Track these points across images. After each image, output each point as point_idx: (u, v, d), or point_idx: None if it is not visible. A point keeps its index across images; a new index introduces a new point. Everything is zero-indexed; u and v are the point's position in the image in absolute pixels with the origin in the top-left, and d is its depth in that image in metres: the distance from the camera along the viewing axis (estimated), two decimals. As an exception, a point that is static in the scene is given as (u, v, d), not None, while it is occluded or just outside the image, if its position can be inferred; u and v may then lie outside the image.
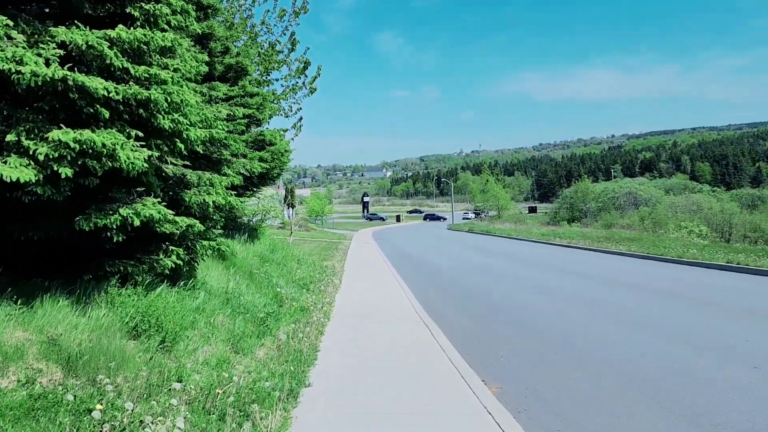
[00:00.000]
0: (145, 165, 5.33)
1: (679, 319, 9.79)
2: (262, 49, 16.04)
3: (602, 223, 55.50)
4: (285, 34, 16.47)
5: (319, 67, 17.52)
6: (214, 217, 7.73)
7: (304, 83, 17.21)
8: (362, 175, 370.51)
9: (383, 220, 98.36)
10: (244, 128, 12.20)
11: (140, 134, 5.53)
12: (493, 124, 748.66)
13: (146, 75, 5.68)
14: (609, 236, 31.92)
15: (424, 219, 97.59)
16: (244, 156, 12.12)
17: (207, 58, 12.22)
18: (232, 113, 9.77)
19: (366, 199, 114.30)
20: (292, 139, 17.49)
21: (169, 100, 5.74)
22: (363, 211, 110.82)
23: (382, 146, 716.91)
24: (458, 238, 43.86)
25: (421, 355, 7.19)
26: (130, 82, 5.52)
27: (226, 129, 10.37)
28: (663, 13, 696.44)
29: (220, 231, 10.27)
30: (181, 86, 6.14)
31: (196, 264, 7.88)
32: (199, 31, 13.16)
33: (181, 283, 7.24)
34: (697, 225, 35.50)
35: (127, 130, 5.44)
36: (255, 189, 13.99)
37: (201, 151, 8.87)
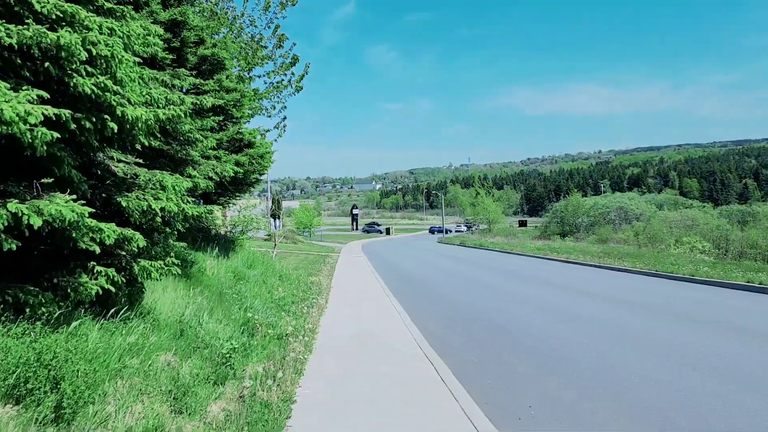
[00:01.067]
0: (51, 136, 3.72)
1: (736, 355, 8.23)
2: (244, 43, 14.45)
3: (596, 238, 54.40)
4: (269, 27, 14.94)
5: (308, 65, 16.00)
6: (166, 230, 6.08)
7: (290, 81, 15.62)
8: (352, 187, 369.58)
9: (381, 232, 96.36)
10: (216, 125, 10.59)
11: (45, 95, 3.91)
12: (483, 137, 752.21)
13: (58, 13, 4.06)
14: (607, 251, 30.57)
15: (430, 232, 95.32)
16: (217, 158, 10.50)
17: (176, 43, 10.64)
18: (198, 103, 8.16)
19: (355, 211, 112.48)
20: (275, 140, 15.71)
21: (92, 52, 4.12)
22: (352, 224, 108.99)
23: (372, 159, 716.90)
24: (451, 252, 42.32)
25: (427, 406, 5.57)
26: (30, 21, 3.91)
27: (194, 126, 8.79)
28: (651, 31, 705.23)
29: (184, 244, 8.64)
30: (113, 45, 4.50)
31: (140, 287, 6.22)
32: (168, 17, 11.58)
33: (117, 311, 5.56)
34: (699, 241, 34.20)
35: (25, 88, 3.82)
36: (230, 196, 12.33)
37: (156, 146, 7.28)
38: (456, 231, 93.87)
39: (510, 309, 12.87)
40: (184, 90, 9.99)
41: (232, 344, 6.05)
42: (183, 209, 5.94)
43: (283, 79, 15.21)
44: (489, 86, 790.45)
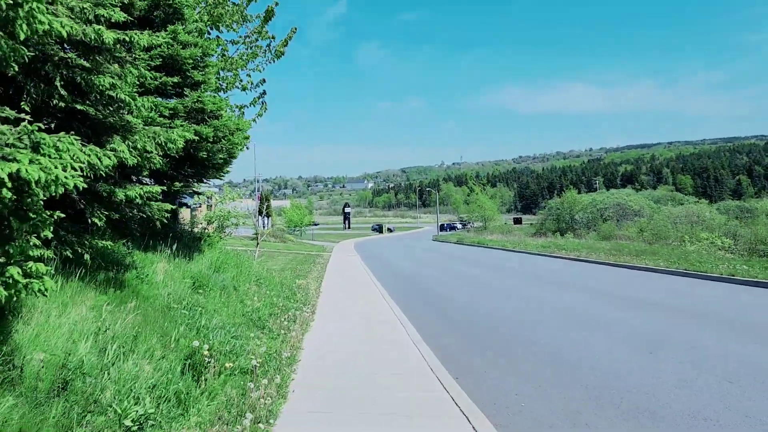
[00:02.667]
0: None
1: None
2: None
3: (598, 235, 52.31)
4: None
5: (294, 29, 13.37)
6: (32, 217, 3.61)
7: (269, 46, 12.99)
8: (343, 186, 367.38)
9: (391, 230, 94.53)
10: (164, 86, 8.09)
11: None
12: (475, 136, 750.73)
13: None
14: (617, 248, 28.28)
15: (441, 229, 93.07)
16: (169, 126, 7.99)
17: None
18: (126, 39, 5.71)
19: (347, 209, 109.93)
20: (254, 120, 13.00)
21: None
22: (344, 223, 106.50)
23: (363, 158, 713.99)
24: (449, 250, 39.95)
25: None
26: None
27: (125, 80, 6.31)
28: (639, 29, 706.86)
29: (109, 243, 6.19)
30: None
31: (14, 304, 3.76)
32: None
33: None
34: (718, 237, 32.00)
35: None
36: (188, 180, 9.81)
37: (63, 106, 4.87)
38: (451, 229, 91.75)
39: (554, 325, 10.49)
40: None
41: (145, 409, 3.60)
42: (63, 180, 3.49)
43: (257, 39, 12.57)
44: (480, 85, 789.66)
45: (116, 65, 6.03)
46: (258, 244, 17.31)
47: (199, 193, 11.83)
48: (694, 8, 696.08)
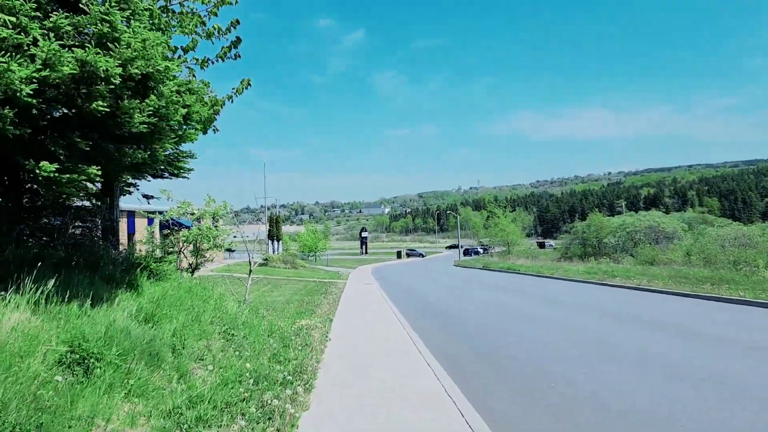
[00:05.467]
0: None
1: None
2: None
3: (639, 259, 47.54)
4: None
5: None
6: None
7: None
8: (360, 211, 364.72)
9: (422, 255, 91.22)
10: None
11: None
12: (491, 161, 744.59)
13: None
14: (677, 275, 23.86)
15: (465, 254, 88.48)
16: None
17: None
18: None
19: (364, 234, 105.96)
20: (231, 97, 8.89)
21: None
22: (361, 247, 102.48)
23: (380, 183, 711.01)
24: (478, 277, 35.62)
25: None
26: None
27: None
28: (655, 54, 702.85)
29: None
30: None
31: None
32: None
33: None
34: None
35: None
36: (84, 163, 5.87)
37: None
38: (473, 253, 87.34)
39: (657, 390, 6.38)
40: None
41: None
42: None
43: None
44: (495, 111, 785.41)
45: None
46: (251, 272, 13.32)
47: (149, 197, 7.97)
48: (709, 33, 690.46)
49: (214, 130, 8.31)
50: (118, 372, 4.47)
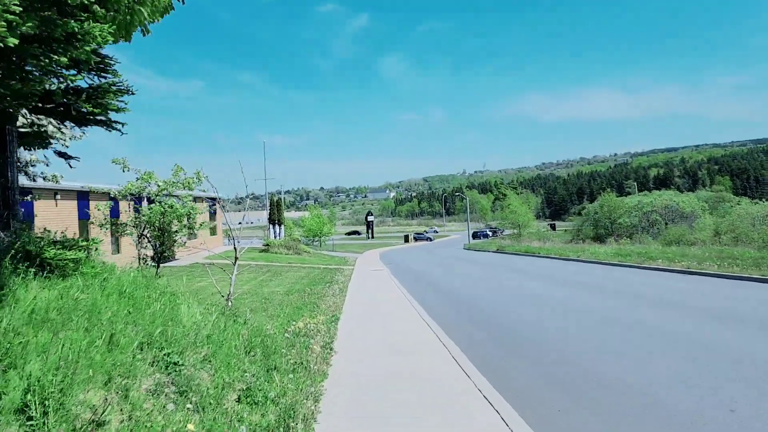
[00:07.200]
0: None
1: None
2: None
3: (665, 239, 44.56)
4: None
5: None
6: None
7: None
8: (365, 196, 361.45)
9: (431, 239, 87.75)
10: None
11: None
12: (496, 144, 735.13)
13: None
14: (724, 255, 21.09)
15: (474, 237, 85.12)
16: None
17: None
18: None
19: (370, 218, 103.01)
20: (165, 10, 5.97)
21: None
22: (367, 232, 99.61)
23: (385, 168, 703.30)
24: (493, 260, 32.87)
25: None
26: None
27: None
28: (660, 34, 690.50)
29: None
30: None
31: None
32: None
33: None
34: None
35: None
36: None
37: None
38: (482, 236, 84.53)
39: None
40: None
41: None
42: None
43: None
44: (501, 94, 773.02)
45: None
46: (236, 260, 10.46)
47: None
48: (710, 14, 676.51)
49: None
50: None
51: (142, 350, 4.27)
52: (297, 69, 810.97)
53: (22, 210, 6.83)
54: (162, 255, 9.40)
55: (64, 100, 5.38)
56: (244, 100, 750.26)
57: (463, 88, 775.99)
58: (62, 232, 6.09)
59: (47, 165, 8.37)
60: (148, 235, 9.36)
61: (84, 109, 5.43)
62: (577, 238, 62.32)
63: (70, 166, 6.78)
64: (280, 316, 10.32)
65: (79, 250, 5.21)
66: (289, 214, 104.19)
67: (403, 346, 8.21)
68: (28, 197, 8.41)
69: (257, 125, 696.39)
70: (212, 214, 36.42)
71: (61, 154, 6.63)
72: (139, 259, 9.41)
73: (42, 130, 5.97)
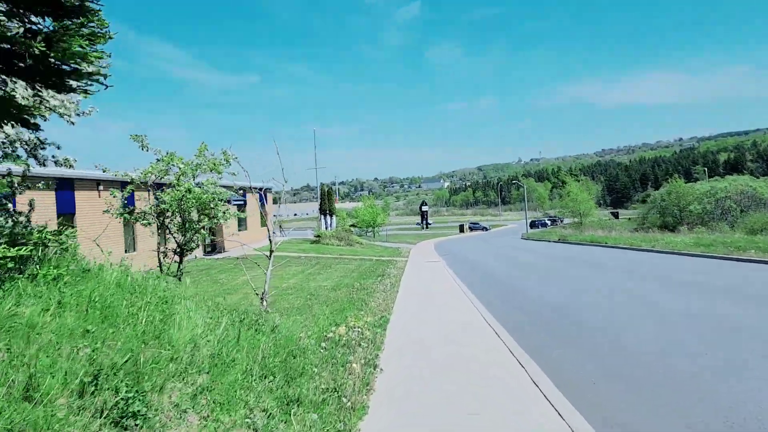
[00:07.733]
0: None
1: None
2: None
3: (746, 228, 41.04)
4: None
5: None
6: None
7: None
8: (419, 186, 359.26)
9: (486, 229, 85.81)
10: None
11: None
12: (552, 131, 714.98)
13: None
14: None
15: (532, 226, 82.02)
16: None
17: None
18: None
19: (424, 208, 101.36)
20: None
21: None
22: (421, 222, 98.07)
23: (438, 157, 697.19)
24: (563, 253, 30.42)
25: None
26: None
27: None
28: (725, 15, 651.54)
29: None
30: None
31: None
32: None
33: None
34: None
35: None
36: None
37: None
38: (541, 225, 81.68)
39: None
40: None
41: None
42: None
43: None
44: (557, 79, 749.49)
45: None
46: (271, 253, 9.03)
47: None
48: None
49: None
50: None
51: (82, 396, 2.89)
52: (347, 60, 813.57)
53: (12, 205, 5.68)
54: (184, 248, 8.15)
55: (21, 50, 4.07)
56: (297, 91, 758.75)
57: (515, 75, 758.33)
58: (39, 223, 4.87)
59: (59, 148, 7.18)
60: (169, 225, 8.16)
61: (49, 59, 4.11)
62: (642, 226, 59.05)
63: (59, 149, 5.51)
64: (320, 318, 8.92)
65: (33, 247, 3.93)
66: (343, 205, 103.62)
67: (465, 362, 6.63)
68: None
69: (310, 117, 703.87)
70: (261, 205, 35.65)
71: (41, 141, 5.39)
72: (158, 253, 8.22)
73: (11, 95, 4.70)
